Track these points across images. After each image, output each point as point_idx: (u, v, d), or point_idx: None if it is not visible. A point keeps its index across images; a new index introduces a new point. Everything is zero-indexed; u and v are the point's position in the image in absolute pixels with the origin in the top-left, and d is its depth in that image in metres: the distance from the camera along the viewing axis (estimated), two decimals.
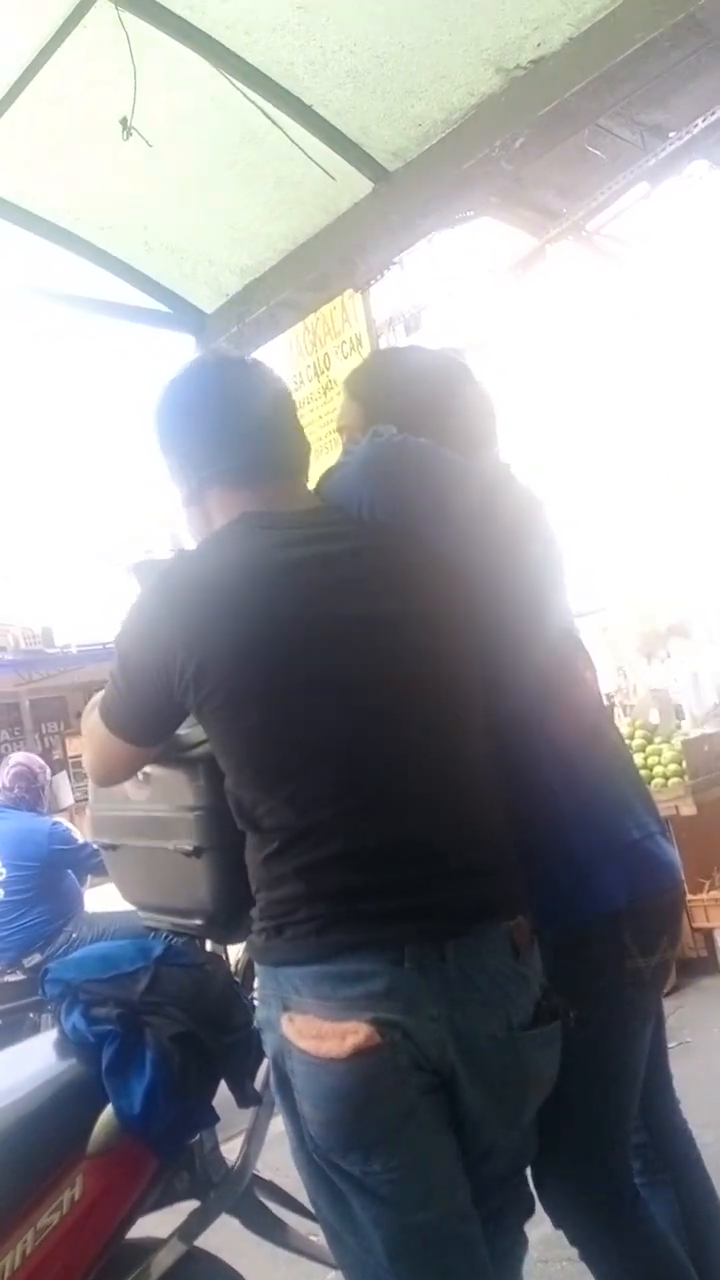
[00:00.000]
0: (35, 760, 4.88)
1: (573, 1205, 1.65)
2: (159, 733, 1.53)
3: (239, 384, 1.57)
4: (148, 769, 1.70)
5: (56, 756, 16.15)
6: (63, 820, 5.22)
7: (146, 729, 1.52)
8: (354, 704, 1.40)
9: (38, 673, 14.67)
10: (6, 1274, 1.34)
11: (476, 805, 1.46)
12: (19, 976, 4.10)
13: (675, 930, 1.70)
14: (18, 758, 4.85)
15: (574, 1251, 1.71)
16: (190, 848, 1.60)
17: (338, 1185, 1.38)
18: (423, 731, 1.43)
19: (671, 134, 4.42)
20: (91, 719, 1.57)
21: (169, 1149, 1.55)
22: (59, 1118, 1.47)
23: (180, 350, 4.00)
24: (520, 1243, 1.65)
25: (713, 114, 4.03)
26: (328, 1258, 1.74)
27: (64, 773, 14.64)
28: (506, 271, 5.04)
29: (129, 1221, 1.54)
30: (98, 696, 1.59)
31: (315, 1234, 1.73)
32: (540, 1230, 2.18)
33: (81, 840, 4.55)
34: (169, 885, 1.70)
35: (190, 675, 1.40)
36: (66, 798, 10.05)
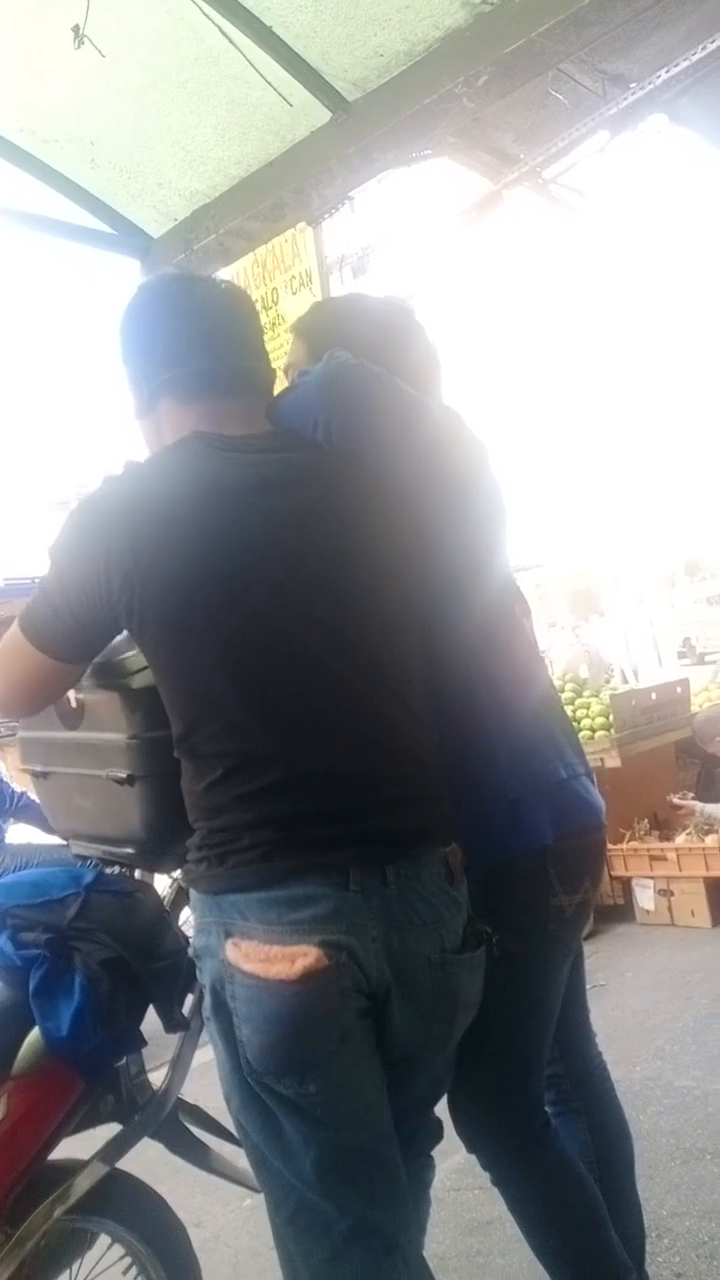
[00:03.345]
0: None
1: (486, 1132, 1.71)
2: (87, 650, 1.49)
3: (203, 295, 1.54)
4: (82, 696, 1.68)
5: None
6: None
7: (75, 645, 1.47)
8: (295, 633, 1.40)
9: None
10: None
11: (413, 736, 1.47)
12: None
13: (597, 870, 1.74)
14: None
15: (485, 1179, 1.77)
16: (124, 775, 1.59)
17: (270, 1108, 1.40)
18: (362, 663, 1.43)
19: (633, 84, 4.37)
20: (10, 635, 1.50)
21: (95, 1071, 1.56)
22: None
23: (126, 276, 3.88)
24: (429, 1166, 1.71)
25: (675, 65, 3.99)
26: (249, 1181, 1.77)
27: None
28: (461, 214, 4.97)
29: (53, 1142, 1.55)
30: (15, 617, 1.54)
31: (238, 1159, 1.76)
32: (453, 1159, 2.26)
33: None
34: (101, 813, 1.69)
35: (129, 595, 1.37)
36: None
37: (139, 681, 1.54)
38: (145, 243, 3.77)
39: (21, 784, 4.54)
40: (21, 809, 4.41)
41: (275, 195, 3.59)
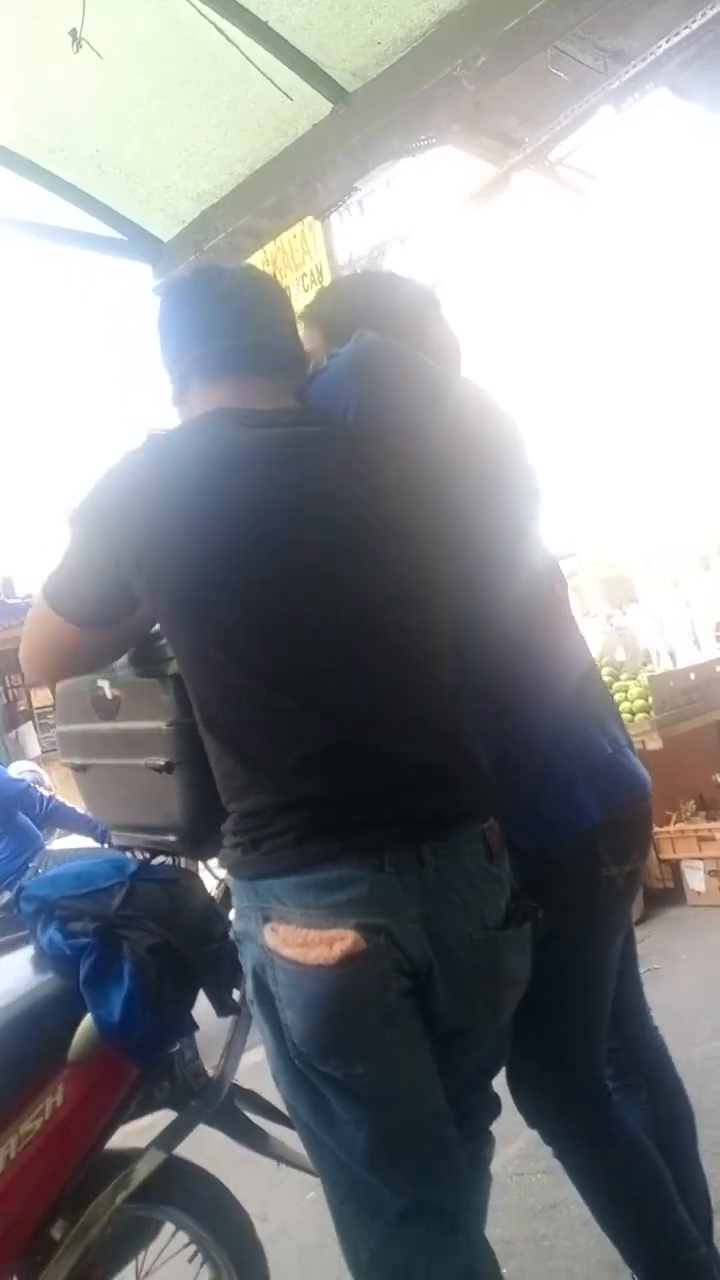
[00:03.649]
0: None
1: (547, 1106, 1.69)
2: (104, 616, 1.48)
3: (229, 278, 1.56)
4: (118, 689, 1.68)
5: (21, 708, 16.11)
6: (26, 765, 5.19)
7: (92, 612, 1.47)
8: (315, 608, 1.38)
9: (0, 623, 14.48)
10: None
11: (440, 712, 1.45)
12: None
13: (645, 841, 1.72)
14: None
15: (548, 1163, 1.75)
16: (162, 762, 1.59)
17: (319, 1089, 1.39)
18: (385, 640, 1.41)
19: (634, 60, 4.34)
20: (36, 602, 1.52)
21: (148, 1057, 1.56)
22: (39, 1027, 1.47)
23: (137, 282, 3.90)
24: (488, 1143, 1.69)
25: (675, 34, 3.96)
26: (309, 1165, 1.76)
27: (29, 724, 14.66)
28: (467, 201, 4.95)
29: (110, 1129, 1.56)
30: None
31: (298, 1144, 1.76)
32: (515, 1145, 2.24)
33: (18, 777, 4.55)
34: (141, 803, 1.69)
35: (138, 572, 1.38)
36: (34, 748, 10.09)
37: (175, 666, 1.54)
38: (155, 247, 3.78)
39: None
40: (52, 813, 4.45)
41: (280, 190, 3.60)
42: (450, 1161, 1.44)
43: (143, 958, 1.52)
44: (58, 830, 4.65)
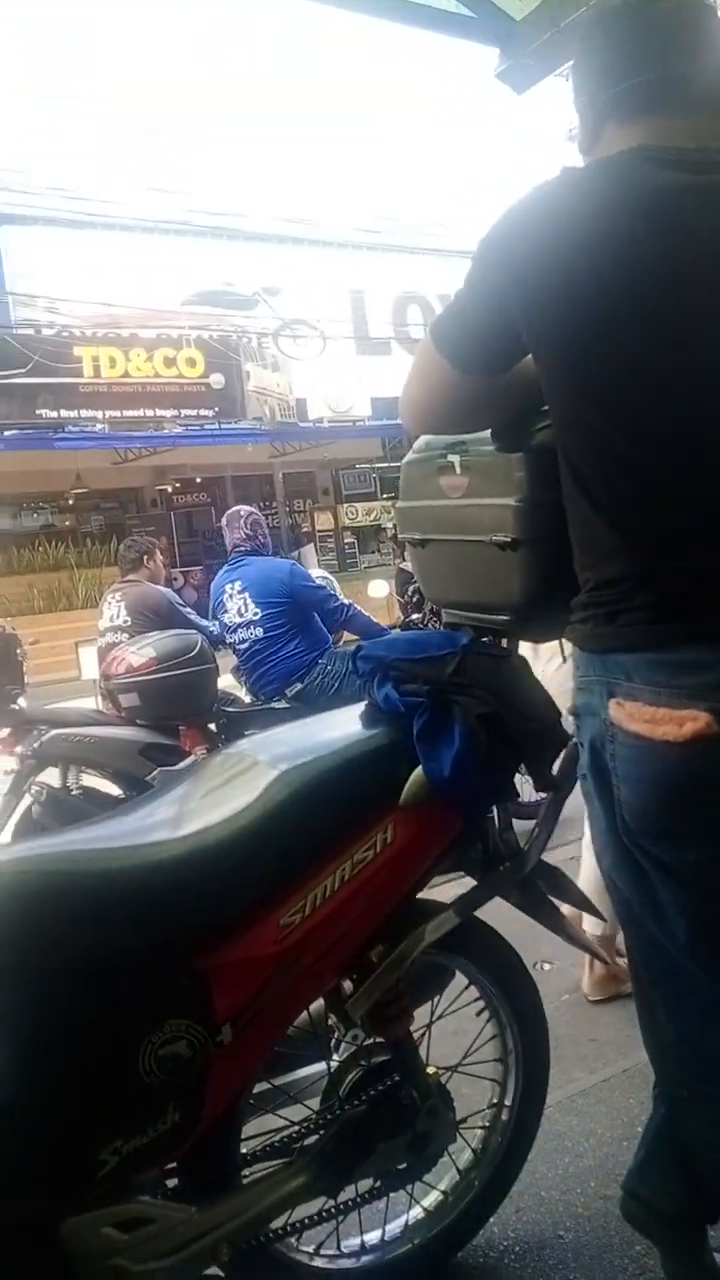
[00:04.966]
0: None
1: None
2: (490, 361, 1.42)
3: (662, 6, 1.38)
4: (467, 460, 1.68)
5: (305, 529, 16.97)
6: (317, 573, 5.44)
7: (477, 354, 1.42)
8: (714, 376, 1.28)
9: (290, 445, 15.03)
10: (326, 894, 1.47)
11: None
12: (284, 704, 4.39)
13: None
14: (248, 509, 5.00)
15: None
16: (508, 539, 1.59)
17: (644, 869, 1.40)
18: None
19: None
20: (423, 343, 1.48)
21: (473, 811, 1.62)
22: (376, 768, 1.56)
23: (483, 65, 3.65)
24: None
25: None
26: (597, 951, 1.81)
27: (311, 545, 15.45)
28: None
29: (427, 876, 1.64)
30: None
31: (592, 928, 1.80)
32: None
33: (320, 582, 4.74)
34: (478, 580, 1.71)
35: (525, 312, 1.32)
36: (314, 569, 10.60)
37: (538, 438, 1.51)
38: (506, 26, 3.46)
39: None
40: (350, 619, 4.64)
41: None
42: None
43: (473, 723, 1.55)
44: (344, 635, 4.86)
